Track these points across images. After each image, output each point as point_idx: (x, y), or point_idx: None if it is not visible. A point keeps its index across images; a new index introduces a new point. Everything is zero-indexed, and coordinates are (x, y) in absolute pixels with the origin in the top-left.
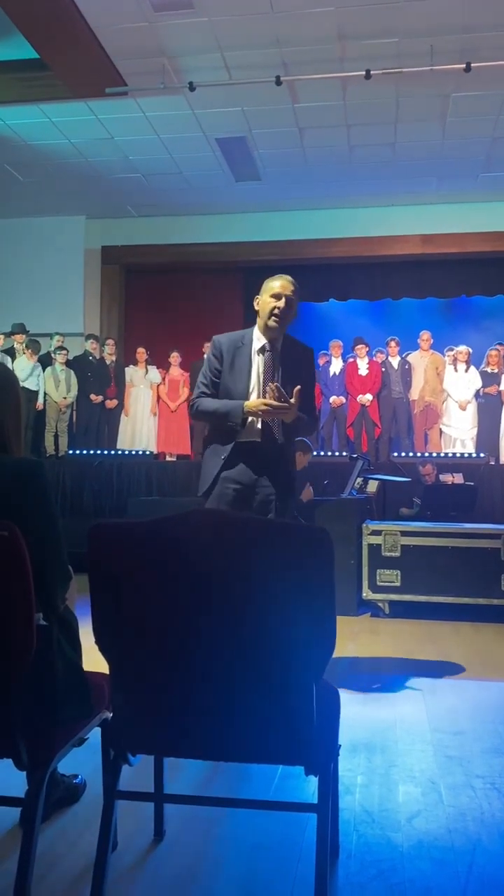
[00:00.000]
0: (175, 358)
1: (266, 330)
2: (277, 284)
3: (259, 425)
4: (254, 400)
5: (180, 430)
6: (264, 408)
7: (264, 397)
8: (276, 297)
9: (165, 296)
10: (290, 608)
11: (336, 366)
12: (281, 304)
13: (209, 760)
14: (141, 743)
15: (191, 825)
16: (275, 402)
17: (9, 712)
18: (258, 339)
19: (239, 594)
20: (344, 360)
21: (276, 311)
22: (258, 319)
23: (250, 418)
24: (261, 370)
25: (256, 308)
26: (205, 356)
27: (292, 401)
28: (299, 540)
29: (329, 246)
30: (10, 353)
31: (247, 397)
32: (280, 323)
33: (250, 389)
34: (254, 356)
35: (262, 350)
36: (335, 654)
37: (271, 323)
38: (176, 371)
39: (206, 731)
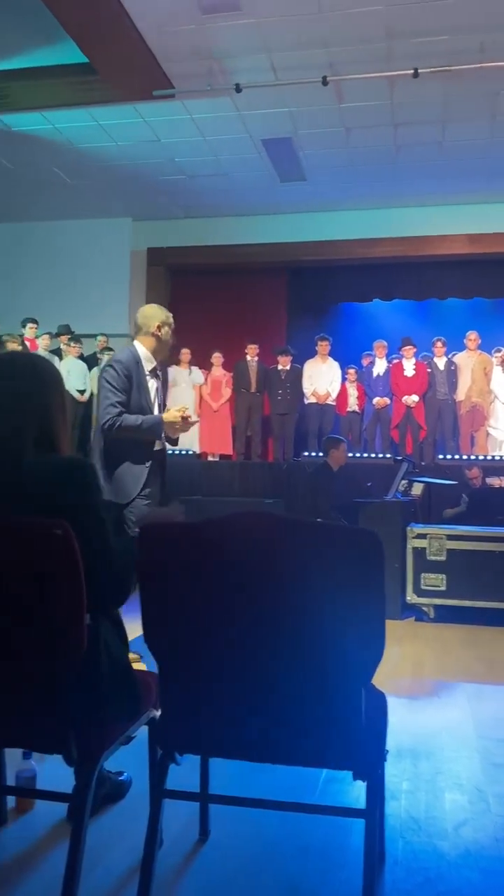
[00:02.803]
0: (218, 358)
1: (158, 355)
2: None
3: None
4: (170, 413)
5: (223, 430)
6: (180, 421)
7: (160, 413)
8: (173, 331)
9: (209, 297)
10: (338, 611)
11: (380, 366)
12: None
13: (256, 762)
14: (188, 743)
15: (236, 826)
16: (189, 416)
17: (59, 709)
18: (148, 361)
19: (287, 596)
20: (388, 361)
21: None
22: (156, 345)
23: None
24: (154, 389)
25: (157, 334)
26: (109, 377)
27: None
28: (349, 543)
29: (374, 246)
30: (57, 353)
31: (150, 412)
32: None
33: (152, 405)
34: (147, 376)
35: (153, 371)
36: None
37: (165, 356)
38: (218, 371)
39: (253, 733)
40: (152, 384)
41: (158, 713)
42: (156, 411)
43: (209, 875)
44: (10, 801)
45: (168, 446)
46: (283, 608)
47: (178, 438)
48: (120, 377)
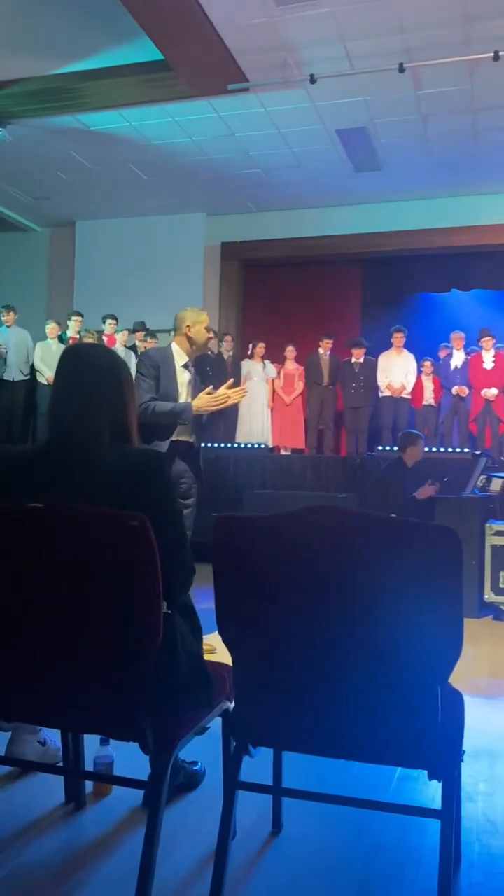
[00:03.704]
0: (291, 352)
1: (193, 352)
2: (207, 318)
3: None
4: (199, 399)
5: (295, 424)
6: (210, 404)
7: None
8: (208, 329)
9: (282, 290)
10: (414, 609)
11: (458, 358)
12: (211, 335)
13: (331, 758)
14: (262, 735)
15: (309, 820)
16: (217, 397)
17: (137, 698)
18: (180, 357)
19: (362, 592)
20: (466, 353)
21: (210, 341)
22: (188, 342)
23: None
24: (186, 380)
25: (188, 333)
26: (139, 368)
27: (227, 390)
28: (426, 540)
29: (452, 234)
30: (133, 349)
31: (177, 400)
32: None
33: (179, 395)
34: (178, 370)
35: (185, 365)
36: None
37: (203, 350)
38: (291, 365)
39: (328, 729)
40: (185, 376)
41: (232, 705)
42: (182, 399)
43: (281, 868)
44: (88, 786)
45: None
46: (358, 604)
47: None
48: (147, 367)
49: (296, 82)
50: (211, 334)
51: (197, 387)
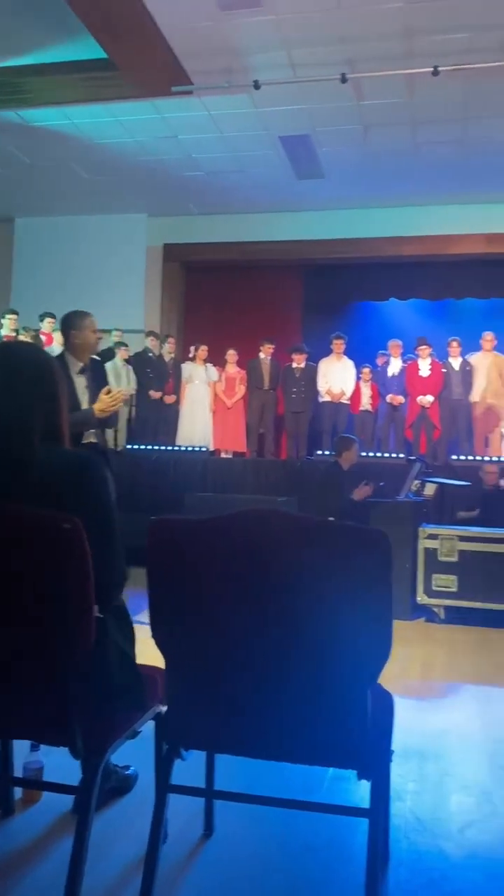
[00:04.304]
0: (232, 356)
1: (83, 356)
2: (93, 321)
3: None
4: (100, 402)
5: (236, 427)
6: (110, 404)
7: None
8: (95, 332)
9: (225, 293)
10: (345, 610)
11: (395, 366)
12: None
13: (262, 759)
14: (194, 738)
15: (240, 823)
16: (114, 396)
17: (67, 703)
18: (73, 364)
19: (295, 595)
20: (403, 361)
21: (97, 343)
22: (73, 347)
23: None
24: (83, 385)
25: (72, 340)
26: None
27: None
28: (357, 542)
29: (392, 244)
30: None
31: (78, 409)
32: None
33: (80, 402)
34: (74, 377)
35: (81, 371)
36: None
37: (93, 352)
38: (233, 369)
39: (259, 731)
40: (81, 383)
41: (165, 708)
42: (84, 406)
43: (212, 871)
44: (18, 792)
45: (107, 443)
46: (291, 606)
47: (111, 419)
48: None
49: (240, 87)
50: (98, 336)
51: (94, 391)
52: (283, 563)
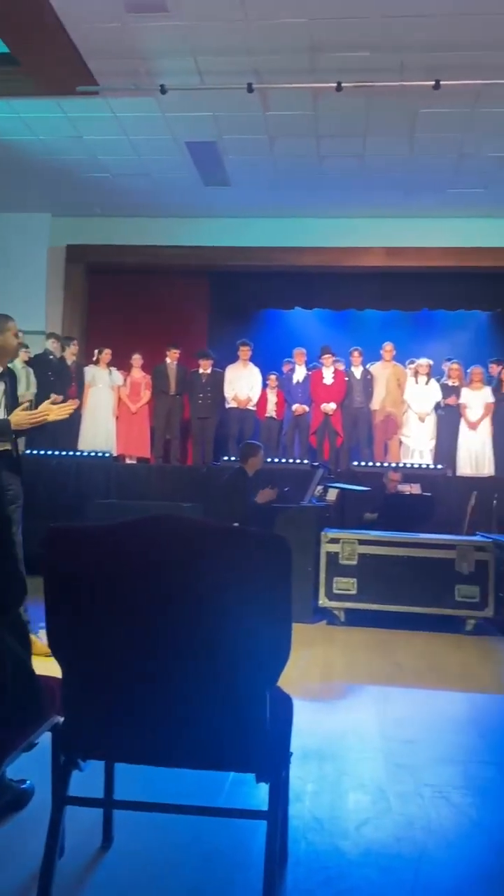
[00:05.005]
0: (137, 360)
1: (2, 361)
2: (14, 325)
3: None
4: (17, 416)
5: (141, 432)
6: (28, 420)
7: (7, 414)
8: (16, 335)
9: (130, 297)
10: (245, 615)
11: (300, 373)
12: (20, 341)
13: (161, 767)
14: (92, 748)
15: (140, 832)
16: (35, 415)
17: None
18: None
19: (194, 600)
20: (308, 369)
21: (18, 348)
22: None
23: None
24: (0, 390)
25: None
26: None
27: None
28: (257, 547)
29: (297, 254)
30: None
31: None
32: None
33: None
34: None
35: (1, 376)
36: (289, 662)
37: (14, 356)
38: (138, 374)
39: (158, 738)
40: None
41: (62, 719)
42: (1, 413)
43: (110, 883)
44: None
45: (20, 450)
46: (190, 611)
47: (27, 430)
48: None
49: (146, 91)
50: (20, 339)
51: (11, 396)
52: (183, 568)
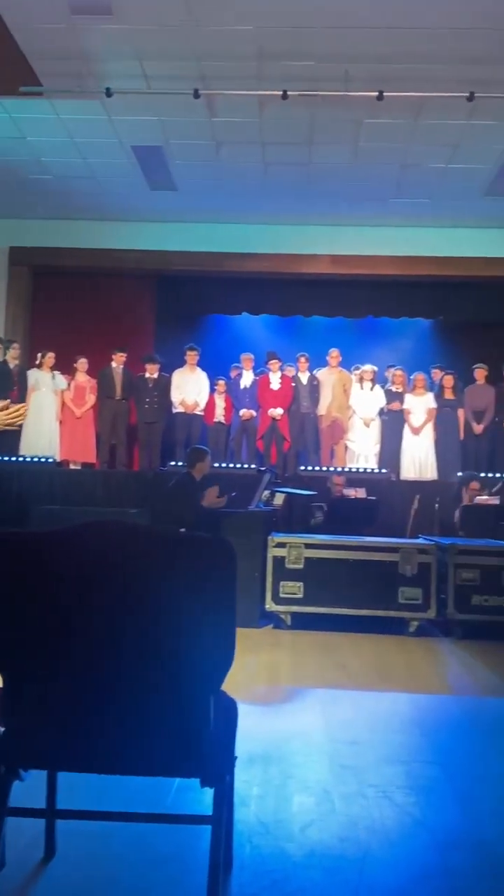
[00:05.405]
0: (82, 364)
1: None
2: None
3: None
4: None
5: (86, 437)
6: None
7: None
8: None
9: (75, 300)
10: (188, 619)
11: (247, 379)
12: None
13: (104, 774)
14: (33, 757)
15: (83, 841)
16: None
17: None
18: None
19: (137, 606)
20: (255, 374)
21: None
22: None
23: None
24: None
25: None
26: None
27: None
28: (200, 551)
29: (244, 260)
30: None
31: None
32: None
33: None
34: None
35: None
36: (235, 666)
37: None
38: (83, 378)
39: (101, 745)
40: None
41: (2, 729)
42: None
43: (53, 894)
44: None
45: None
46: (132, 618)
47: None
48: None
49: (92, 93)
50: None
51: None
52: (126, 574)
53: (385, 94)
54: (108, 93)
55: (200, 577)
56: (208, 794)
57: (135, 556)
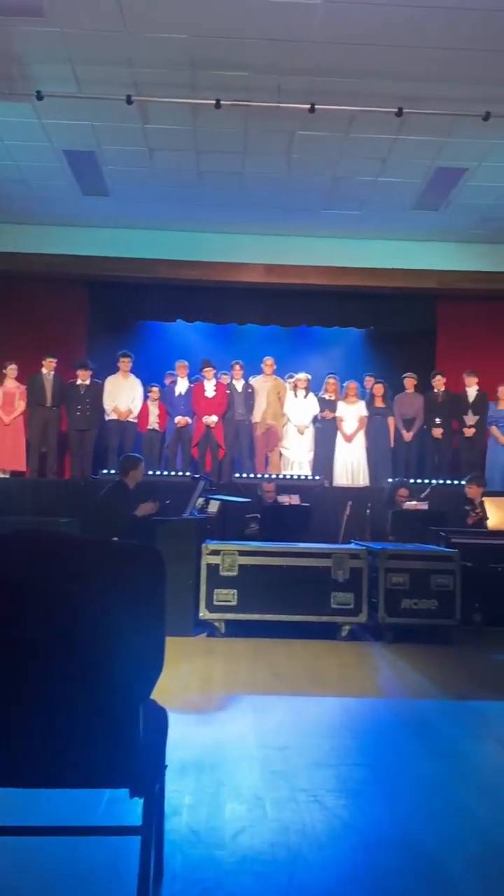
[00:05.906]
0: (12, 370)
1: None
2: None
3: None
4: None
5: (15, 445)
6: None
7: None
8: None
9: (4, 305)
10: (117, 629)
11: (182, 386)
12: None
13: (32, 788)
14: None
15: (10, 856)
16: None
17: None
18: None
19: (65, 616)
20: (190, 381)
21: None
22: None
23: None
24: None
25: None
26: None
27: None
28: (128, 560)
29: (178, 267)
30: None
31: None
32: None
33: None
34: None
35: None
36: (168, 675)
37: None
38: (12, 384)
39: (27, 758)
40: None
41: None
42: None
43: None
44: None
45: None
46: (59, 627)
47: None
48: None
49: (22, 96)
50: None
51: None
52: (53, 583)
53: (317, 106)
54: (39, 96)
55: (128, 586)
56: (140, 804)
57: (63, 565)
